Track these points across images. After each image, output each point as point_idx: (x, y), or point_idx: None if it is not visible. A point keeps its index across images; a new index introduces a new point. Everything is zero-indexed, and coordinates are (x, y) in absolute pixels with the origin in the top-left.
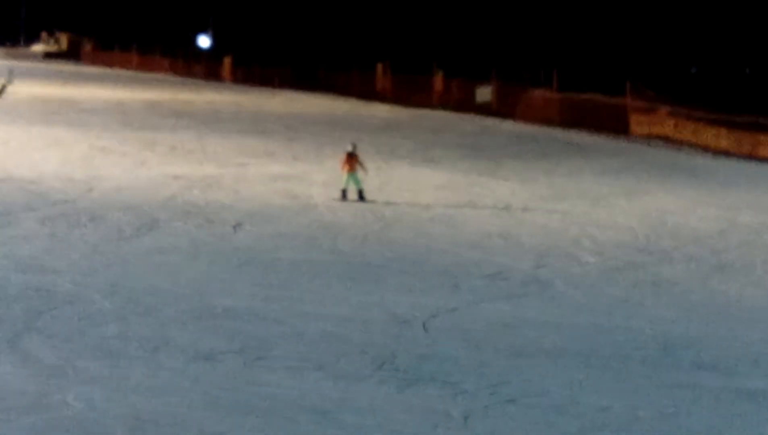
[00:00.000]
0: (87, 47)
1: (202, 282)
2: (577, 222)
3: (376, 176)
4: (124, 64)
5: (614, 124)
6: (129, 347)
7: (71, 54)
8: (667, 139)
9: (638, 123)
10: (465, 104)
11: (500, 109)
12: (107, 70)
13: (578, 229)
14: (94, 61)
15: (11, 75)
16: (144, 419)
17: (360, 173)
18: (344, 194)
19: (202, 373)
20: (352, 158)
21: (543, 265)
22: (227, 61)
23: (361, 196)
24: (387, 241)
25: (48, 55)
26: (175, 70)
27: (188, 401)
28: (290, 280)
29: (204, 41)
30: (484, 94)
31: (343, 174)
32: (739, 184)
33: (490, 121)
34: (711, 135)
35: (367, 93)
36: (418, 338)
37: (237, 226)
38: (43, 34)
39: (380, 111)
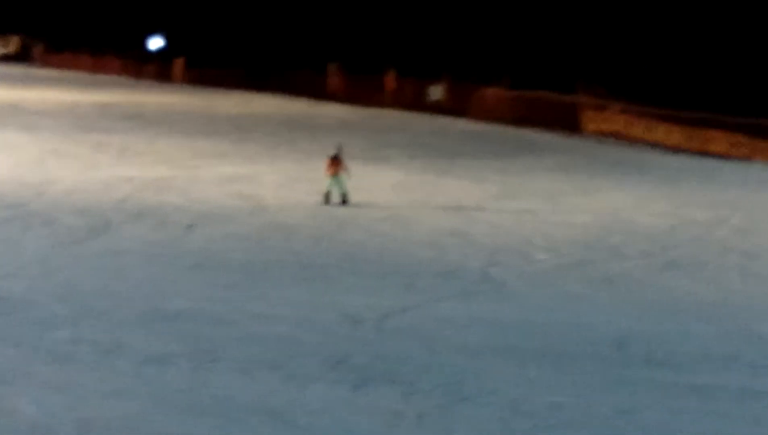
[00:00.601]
0: (38, 49)
1: (154, 284)
2: (529, 220)
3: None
4: (76, 66)
5: (566, 122)
6: (81, 351)
7: (22, 56)
8: (618, 136)
9: (590, 120)
10: (417, 103)
11: (452, 108)
12: (59, 73)
13: (531, 227)
14: (45, 64)
15: None
16: (96, 424)
17: (344, 176)
18: (327, 198)
19: (155, 376)
20: (336, 161)
21: (496, 263)
22: (179, 63)
23: (344, 200)
24: (340, 241)
25: None
26: (127, 72)
27: (140, 405)
28: (243, 282)
29: (155, 43)
30: (436, 93)
31: (326, 177)
32: (691, 180)
33: (443, 120)
34: (662, 131)
35: (320, 93)
36: (372, 338)
37: (189, 228)
38: None
39: (333, 111)
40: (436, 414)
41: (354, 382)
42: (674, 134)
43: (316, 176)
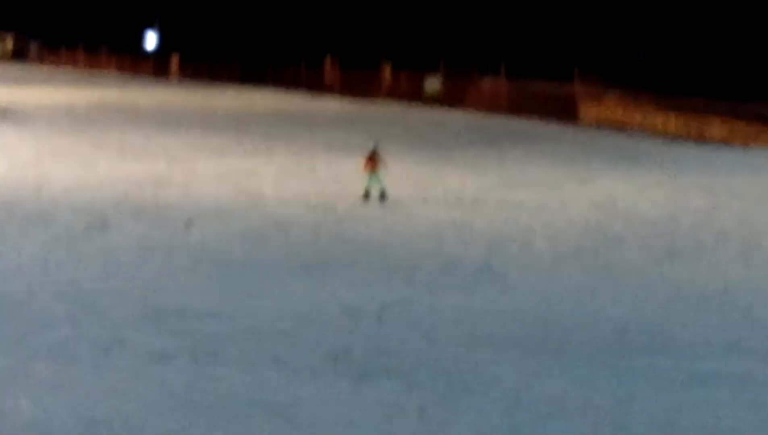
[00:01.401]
0: (33, 47)
1: (153, 281)
2: (528, 210)
3: (327, 170)
4: (72, 64)
5: (563, 111)
6: (81, 349)
7: (17, 54)
8: (616, 125)
9: (587, 109)
10: (414, 95)
11: (449, 99)
12: (54, 71)
13: (530, 217)
14: (40, 62)
15: None
16: (97, 421)
17: (382, 173)
18: (367, 195)
19: (155, 373)
20: (373, 158)
21: (495, 254)
22: (175, 59)
23: (383, 196)
24: (339, 234)
25: None
26: (123, 69)
27: (141, 402)
28: (242, 277)
29: (150, 39)
30: (433, 84)
31: (365, 175)
32: (689, 167)
33: (440, 112)
34: (660, 119)
35: (316, 87)
36: (372, 331)
37: (188, 224)
38: None
39: (330, 105)
40: (437, 406)
41: (355, 376)
42: (672, 122)
43: (314, 170)
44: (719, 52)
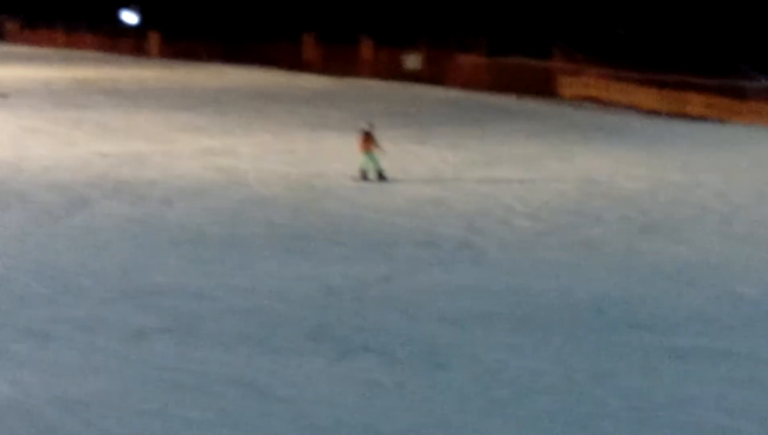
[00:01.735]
0: (11, 26)
1: (133, 260)
2: (508, 186)
3: (306, 147)
4: (50, 43)
5: (543, 87)
6: (60, 329)
7: None
8: (595, 101)
9: (567, 85)
10: (394, 72)
11: (429, 76)
12: (33, 49)
13: (510, 194)
14: (19, 41)
15: None
16: (75, 401)
17: (377, 152)
18: (364, 175)
19: (134, 352)
20: (368, 138)
21: (475, 230)
22: (154, 36)
23: (381, 176)
24: (318, 212)
25: None
26: (102, 47)
27: (120, 381)
28: (222, 255)
29: (128, 17)
30: (412, 61)
31: (360, 155)
32: (668, 143)
33: (420, 88)
34: (639, 95)
35: (296, 64)
36: (351, 308)
37: (167, 203)
38: None
39: (309, 82)
40: (415, 383)
41: (334, 354)
42: (651, 97)
43: (293, 148)
44: (698, 28)
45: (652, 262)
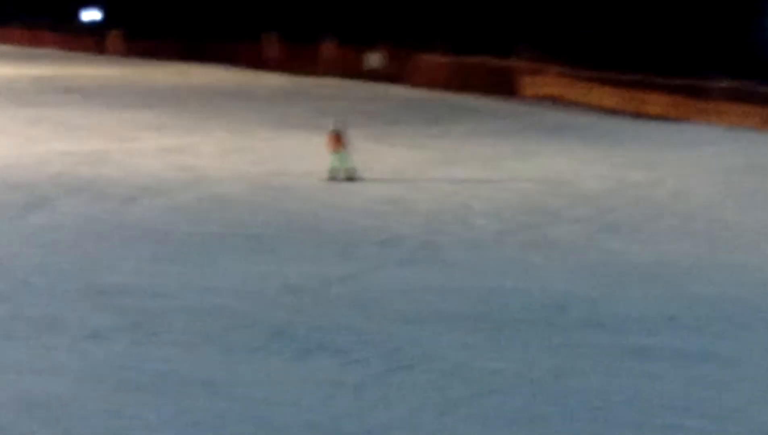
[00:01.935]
0: None
1: (92, 259)
2: (469, 186)
3: (267, 146)
4: (10, 41)
5: (504, 86)
6: (17, 328)
7: None
8: (556, 100)
9: (527, 84)
10: (356, 71)
11: (391, 75)
12: None
13: (470, 193)
14: None
15: None
16: (32, 401)
17: (346, 152)
18: (334, 176)
19: (91, 352)
20: (337, 138)
21: (435, 229)
22: (114, 35)
23: (350, 176)
24: (279, 211)
25: None
26: (62, 45)
27: (77, 381)
28: (181, 254)
29: (88, 15)
30: (374, 60)
31: (329, 155)
32: (628, 142)
33: (381, 87)
34: (599, 94)
35: (257, 63)
36: (311, 308)
37: (128, 201)
38: None
39: (270, 80)
40: (374, 383)
41: (293, 353)
42: (611, 97)
43: (253, 146)
44: (657, 28)
45: (612, 262)
